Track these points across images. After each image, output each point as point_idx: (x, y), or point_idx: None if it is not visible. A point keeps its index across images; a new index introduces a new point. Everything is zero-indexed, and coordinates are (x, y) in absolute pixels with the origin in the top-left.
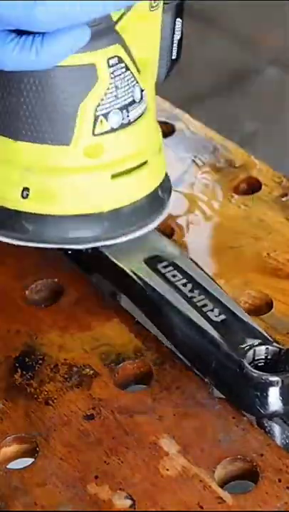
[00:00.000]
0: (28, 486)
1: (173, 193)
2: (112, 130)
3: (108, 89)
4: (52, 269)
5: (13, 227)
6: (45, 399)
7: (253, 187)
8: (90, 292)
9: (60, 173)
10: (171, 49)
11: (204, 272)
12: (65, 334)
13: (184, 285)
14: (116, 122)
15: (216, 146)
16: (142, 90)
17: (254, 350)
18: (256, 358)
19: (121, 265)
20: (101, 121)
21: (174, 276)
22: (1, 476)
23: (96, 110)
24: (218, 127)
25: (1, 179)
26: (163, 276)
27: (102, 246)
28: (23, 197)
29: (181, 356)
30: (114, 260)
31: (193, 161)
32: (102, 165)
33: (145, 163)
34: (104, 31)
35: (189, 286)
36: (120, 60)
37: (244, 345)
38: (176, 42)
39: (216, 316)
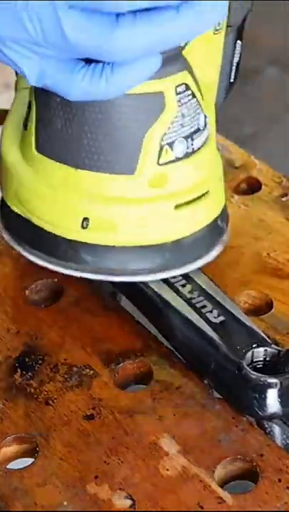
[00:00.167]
0: (28, 486)
1: None
2: (177, 159)
3: (175, 117)
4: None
5: (72, 258)
6: (45, 399)
7: (253, 187)
8: (90, 292)
9: (123, 203)
10: (230, 72)
11: (203, 273)
12: (65, 334)
13: (183, 286)
14: (181, 151)
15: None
16: (205, 117)
17: (253, 352)
18: (255, 359)
19: None
20: (166, 150)
21: (173, 277)
22: (1, 476)
23: (162, 139)
24: (218, 127)
25: (61, 208)
26: None
27: None
28: (83, 227)
29: (181, 357)
30: None
31: None
32: (166, 195)
33: (207, 192)
34: (173, 57)
35: (188, 287)
36: (187, 87)
37: (243, 347)
38: (234, 64)
39: (215, 318)
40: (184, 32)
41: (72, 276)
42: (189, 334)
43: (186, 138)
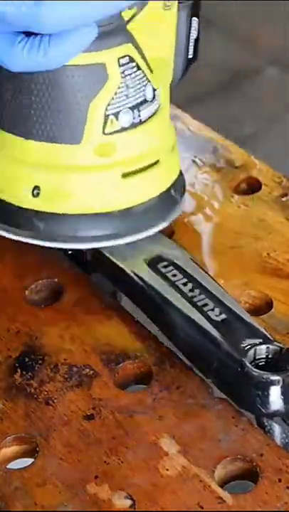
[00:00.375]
0: (28, 486)
1: None
2: (123, 129)
3: (118, 88)
4: (52, 269)
5: (24, 226)
6: (45, 399)
7: (253, 187)
8: (90, 292)
9: (71, 172)
10: (188, 48)
11: (204, 271)
12: (65, 334)
13: (185, 284)
14: (127, 121)
15: (216, 146)
16: (154, 89)
17: (255, 350)
18: (257, 357)
19: (121, 265)
20: (111, 120)
21: (174, 275)
22: (1, 476)
23: (106, 109)
24: (218, 127)
25: (11, 177)
26: (163, 276)
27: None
28: (33, 195)
29: (182, 356)
30: (115, 260)
31: (193, 161)
32: (113, 164)
33: (157, 162)
34: (114, 31)
35: (190, 285)
36: (131, 60)
37: (245, 345)
38: (192, 41)
39: (216, 316)
40: (101, 6)
41: (72, 276)
42: (191, 333)
43: (131, 108)
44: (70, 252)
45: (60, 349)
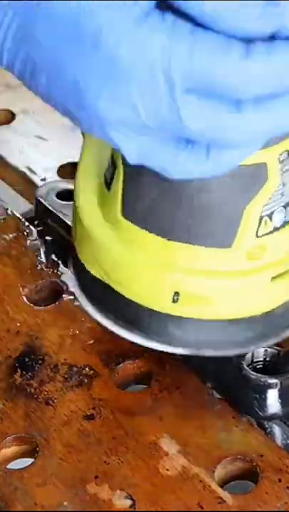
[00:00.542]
0: (28, 486)
1: None
2: (275, 229)
3: (277, 188)
4: (52, 269)
5: (158, 331)
6: (45, 399)
7: None
8: None
9: (218, 277)
10: None
11: None
12: (65, 334)
13: None
14: (279, 221)
15: None
16: None
17: (253, 353)
18: (255, 360)
19: None
20: (265, 221)
21: None
22: (1, 476)
23: (262, 211)
24: None
25: (148, 280)
26: None
27: None
28: (173, 301)
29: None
30: None
31: None
32: (263, 267)
33: None
34: None
35: None
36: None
37: None
38: None
39: None
40: None
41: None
42: None
43: (284, 206)
44: None
45: (60, 349)
